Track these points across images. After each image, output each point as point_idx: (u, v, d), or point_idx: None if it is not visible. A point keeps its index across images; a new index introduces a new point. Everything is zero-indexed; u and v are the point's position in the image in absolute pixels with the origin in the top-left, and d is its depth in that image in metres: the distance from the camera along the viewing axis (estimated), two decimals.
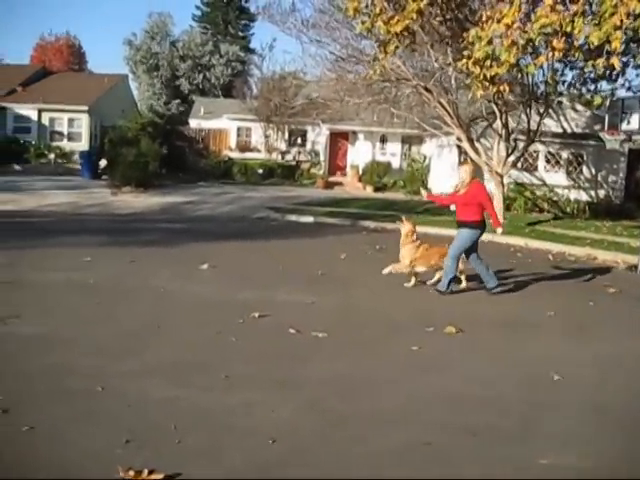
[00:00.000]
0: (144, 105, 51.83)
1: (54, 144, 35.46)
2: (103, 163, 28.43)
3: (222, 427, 4.55)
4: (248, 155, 36.10)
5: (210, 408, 4.85)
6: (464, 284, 9.86)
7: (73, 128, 36.39)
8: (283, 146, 36.78)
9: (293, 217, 19.66)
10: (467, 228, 9.43)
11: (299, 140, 37.22)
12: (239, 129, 37.51)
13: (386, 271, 9.82)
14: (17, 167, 32.65)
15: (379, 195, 29.71)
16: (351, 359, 6.24)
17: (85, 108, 35.75)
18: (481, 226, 9.53)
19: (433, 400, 5.28)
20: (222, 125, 37.66)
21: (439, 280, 9.70)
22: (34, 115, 35.97)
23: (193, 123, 39.55)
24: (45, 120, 36.21)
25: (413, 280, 9.86)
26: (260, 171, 33.20)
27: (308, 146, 36.95)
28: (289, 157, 36.17)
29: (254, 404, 4.96)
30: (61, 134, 36.35)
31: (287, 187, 30.85)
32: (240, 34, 62.52)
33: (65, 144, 35.69)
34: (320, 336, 6.84)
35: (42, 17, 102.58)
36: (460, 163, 11.39)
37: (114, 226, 16.16)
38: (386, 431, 4.63)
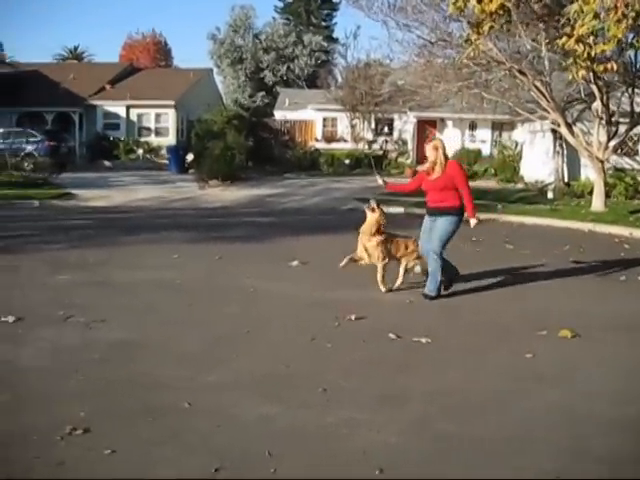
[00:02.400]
0: (229, 98, 51.96)
1: (142, 140, 35.93)
2: (190, 157, 28.53)
3: (322, 453, 4.04)
4: (334, 145, 35.63)
5: (307, 429, 4.35)
6: (400, 280, 8.46)
7: (160, 123, 36.77)
8: (370, 135, 36.12)
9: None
10: (448, 216, 7.95)
11: (386, 129, 36.50)
12: (325, 119, 37.09)
13: (342, 264, 8.32)
14: (107, 163, 33.21)
15: (470, 183, 28.63)
16: (459, 369, 5.62)
17: (172, 103, 36.02)
18: (462, 211, 8.07)
19: (554, 420, 4.63)
20: (307, 116, 37.31)
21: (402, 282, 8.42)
22: (122, 112, 36.50)
23: (278, 115, 39.32)
24: (133, 116, 36.71)
25: (384, 287, 8.27)
26: (347, 161, 32.66)
27: (395, 135, 36.18)
28: (376, 146, 35.47)
29: (356, 424, 4.43)
30: (149, 129, 36.80)
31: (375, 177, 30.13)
32: (323, 24, 62.08)
33: (153, 139, 36.11)
34: (423, 342, 6.25)
35: (130, 17, 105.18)
36: (426, 141, 9.42)
37: (201, 221, 15.96)
38: (505, 459, 4.02)
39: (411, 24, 20.36)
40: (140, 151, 34.99)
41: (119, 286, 8.52)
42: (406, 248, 8.49)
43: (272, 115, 40.14)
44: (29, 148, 27.75)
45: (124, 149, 35.33)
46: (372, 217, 8.33)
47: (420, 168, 8.30)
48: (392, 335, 6.39)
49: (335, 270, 8.16)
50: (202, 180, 24.97)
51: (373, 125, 36.34)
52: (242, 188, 23.82)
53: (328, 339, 6.24)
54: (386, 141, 35.66)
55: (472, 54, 15.65)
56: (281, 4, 63.33)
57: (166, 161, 31.47)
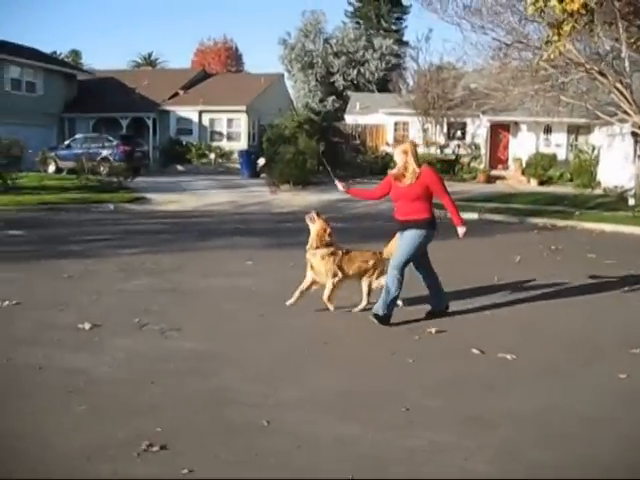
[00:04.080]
0: (299, 103, 52.14)
1: (214, 144, 36.27)
2: (261, 162, 28.63)
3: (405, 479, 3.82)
4: None
5: (391, 453, 4.13)
6: (363, 303, 7.56)
7: (232, 128, 37.06)
8: (442, 139, 35.61)
9: None
10: (417, 229, 6.96)
11: (458, 133, 35.93)
12: (396, 124, 36.73)
13: (291, 301, 7.46)
14: (180, 168, 33.69)
15: (545, 189, 28.00)
16: (548, 389, 5.30)
17: (243, 108, 36.25)
18: (434, 225, 7.09)
19: None
20: (378, 120, 37.02)
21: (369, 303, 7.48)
22: (195, 117, 36.93)
23: (349, 119, 39.14)
24: (205, 121, 37.10)
25: (331, 305, 7.43)
26: None
27: (467, 139, 35.58)
28: (448, 151, 34.94)
29: (442, 448, 4.19)
30: (221, 134, 37.13)
31: (447, 182, 29.26)
32: (393, 27, 61.63)
33: (225, 144, 36.41)
34: (508, 358, 5.95)
35: (202, 24, 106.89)
36: (394, 145, 8.05)
37: (274, 226, 15.92)
38: None
39: (486, 26, 19.92)
40: (212, 155, 35.34)
41: (193, 293, 8.47)
42: (365, 262, 7.50)
43: (343, 119, 40.00)
44: (105, 153, 28.30)
45: (196, 153, 35.74)
46: (313, 228, 7.45)
47: (390, 172, 7.51)
48: (475, 350, 6.11)
49: (412, 279, 7.90)
50: (273, 184, 25.03)
51: (445, 129, 35.81)
52: (313, 193, 23.73)
53: (409, 354, 6.00)
54: (458, 145, 35.10)
55: (551, 56, 15.16)
56: (351, 8, 63.19)
57: (238, 165, 31.70)
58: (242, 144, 35.73)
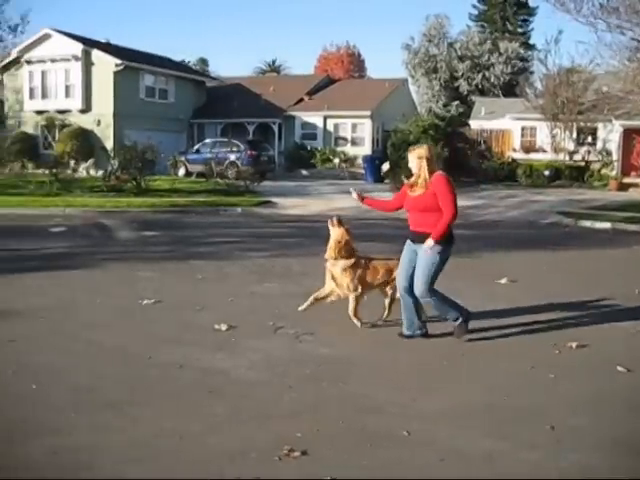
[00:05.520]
0: (423, 108, 51.73)
1: (338, 149, 36.51)
2: (385, 167, 28.57)
3: None
4: (533, 156, 34.24)
5: (540, 473, 3.95)
6: (385, 313, 7.15)
7: (356, 133, 37.22)
8: (571, 145, 34.38)
9: (587, 223, 17.95)
10: (438, 244, 6.27)
11: (588, 138, 34.58)
12: (523, 129, 35.79)
13: (303, 307, 7.09)
14: (304, 172, 34.16)
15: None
16: None
17: (368, 113, 36.32)
18: (451, 240, 6.42)
19: None
20: (504, 125, 36.19)
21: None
22: (320, 122, 37.30)
23: (474, 124, 38.47)
24: (330, 126, 37.41)
25: (358, 321, 6.96)
26: (546, 173, 31.23)
27: (598, 145, 34.18)
28: (577, 157, 33.69)
29: (595, 472, 3.96)
30: (345, 139, 37.35)
31: (576, 189, 28.62)
32: (519, 30, 60.19)
33: (348, 149, 36.59)
34: None
35: (324, 30, 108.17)
36: (409, 149, 6.72)
37: (401, 232, 15.76)
38: None
39: (624, 25, 19.17)
40: (336, 160, 35.61)
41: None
42: (389, 274, 6.98)
43: (467, 125, 39.36)
44: (232, 157, 29.00)
45: (321, 158, 36.10)
46: (334, 234, 6.95)
47: (406, 181, 6.75)
48: (621, 368, 5.79)
49: (546, 289, 7.59)
50: (398, 190, 24.86)
51: (575, 135, 34.56)
52: None
53: (549, 368, 5.76)
54: (588, 152, 33.77)
55: None
56: (476, 11, 62.20)
57: (361, 170, 31.74)
58: (366, 149, 35.79)
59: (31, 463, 3.98)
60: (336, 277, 6.90)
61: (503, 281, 9.46)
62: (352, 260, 6.88)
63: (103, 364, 5.84)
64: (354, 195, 7.05)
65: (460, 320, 6.50)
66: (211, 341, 6.46)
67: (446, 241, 6.33)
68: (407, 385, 5.39)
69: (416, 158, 6.35)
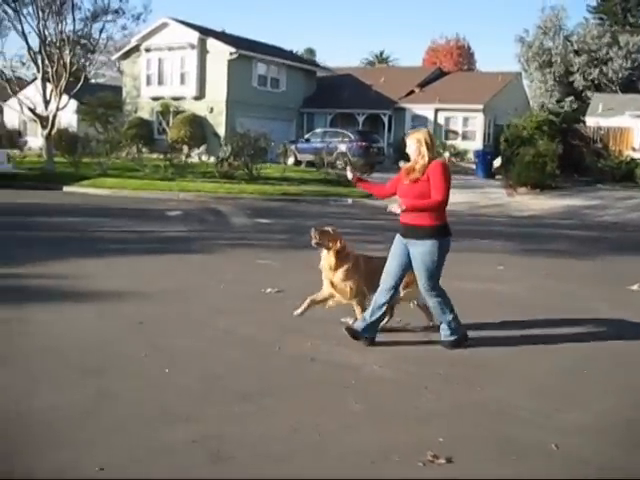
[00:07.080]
0: (535, 103, 50.29)
1: (449, 143, 35.90)
2: (497, 162, 27.92)
3: None
4: None
5: None
6: (385, 320, 6.41)
7: (467, 127, 36.52)
8: None
9: None
10: (425, 240, 5.83)
11: None
12: None
13: (299, 312, 6.47)
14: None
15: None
16: None
17: (480, 107, 35.57)
18: (446, 232, 5.97)
19: None
20: (623, 123, 34.64)
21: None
22: (430, 115, 36.77)
23: (590, 121, 37.06)
24: (441, 119, 36.83)
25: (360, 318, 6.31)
26: None
27: None
28: None
29: None
30: (455, 133, 36.70)
31: None
32: None
33: (459, 142, 35.94)
34: None
35: (433, 22, 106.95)
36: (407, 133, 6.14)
37: (515, 230, 15.36)
38: None
39: None
40: (446, 154, 35.03)
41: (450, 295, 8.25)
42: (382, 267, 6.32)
43: (582, 121, 37.98)
44: (343, 148, 28.90)
45: None
46: (326, 255, 6.35)
47: (403, 165, 6.19)
48: None
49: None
50: (510, 187, 24.29)
51: None
52: (552, 197, 22.71)
53: None
54: None
55: None
56: (594, 3, 59.83)
57: (471, 165, 31.14)
58: (477, 144, 35.05)
59: (170, 449, 3.96)
60: (337, 285, 6.38)
61: (635, 287, 8.96)
62: (350, 261, 6.38)
63: (232, 352, 5.84)
64: (349, 175, 6.56)
65: (455, 338, 6.07)
66: (337, 334, 6.33)
67: (442, 235, 5.90)
68: (547, 392, 5.13)
69: (415, 142, 5.82)
